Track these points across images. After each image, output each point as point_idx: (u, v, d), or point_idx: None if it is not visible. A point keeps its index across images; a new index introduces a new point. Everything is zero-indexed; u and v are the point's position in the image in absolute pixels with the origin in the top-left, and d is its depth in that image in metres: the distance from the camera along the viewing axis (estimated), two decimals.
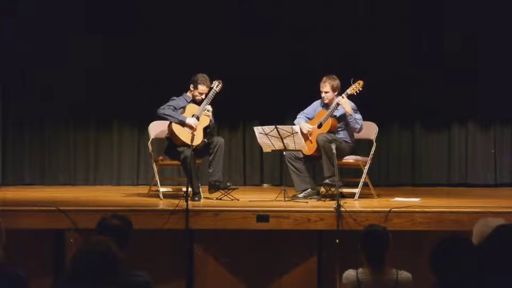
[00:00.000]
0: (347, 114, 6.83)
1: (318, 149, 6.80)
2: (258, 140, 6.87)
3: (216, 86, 6.97)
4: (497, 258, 3.16)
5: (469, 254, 3.10)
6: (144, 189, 7.71)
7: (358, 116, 6.89)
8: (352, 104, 6.91)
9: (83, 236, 5.63)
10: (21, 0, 8.45)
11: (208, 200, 6.88)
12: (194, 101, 7.02)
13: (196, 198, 6.76)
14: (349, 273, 4.21)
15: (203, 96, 6.98)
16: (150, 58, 8.60)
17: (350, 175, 7.74)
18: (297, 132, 6.64)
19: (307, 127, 6.96)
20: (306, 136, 6.94)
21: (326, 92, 6.95)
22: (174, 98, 7.02)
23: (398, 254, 4.54)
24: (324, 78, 6.96)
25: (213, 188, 6.94)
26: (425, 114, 8.71)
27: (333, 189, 6.60)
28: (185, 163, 6.72)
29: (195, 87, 6.97)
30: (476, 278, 3.06)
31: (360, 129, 6.92)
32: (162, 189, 7.13)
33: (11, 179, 8.67)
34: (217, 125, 8.17)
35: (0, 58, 8.31)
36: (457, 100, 8.57)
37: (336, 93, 6.96)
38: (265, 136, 6.74)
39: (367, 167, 7.00)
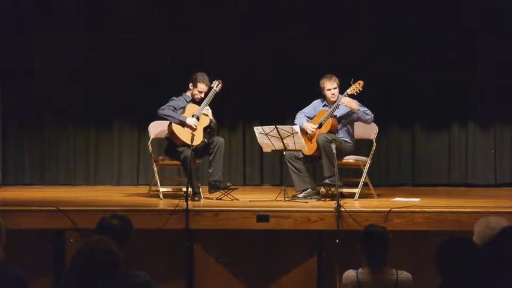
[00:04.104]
0: (354, 111, 6.82)
1: (318, 149, 6.80)
2: (258, 140, 6.87)
3: (216, 85, 6.97)
4: (503, 259, 3.17)
5: (475, 255, 3.10)
6: (144, 189, 7.71)
7: (364, 108, 6.89)
8: (355, 101, 6.91)
9: (82, 236, 5.62)
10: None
11: (208, 200, 6.88)
12: (194, 100, 7.03)
13: (196, 198, 6.76)
14: (349, 273, 4.22)
15: (202, 95, 6.98)
16: (150, 58, 8.60)
17: (350, 175, 7.74)
18: (297, 132, 6.64)
19: (311, 127, 6.96)
20: (306, 136, 6.94)
21: (335, 88, 6.95)
22: (174, 98, 7.02)
23: (398, 254, 4.55)
24: (329, 76, 6.96)
25: (213, 188, 6.94)
26: (425, 114, 8.71)
27: (333, 189, 6.61)
28: (185, 163, 6.72)
29: (194, 86, 6.97)
30: (482, 279, 3.07)
31: (372, 119, 6.92)
32: (162, 189, 7.13)
33: (11, 179, 8.66)
34: (218, 125, 8.18)
35: (0, 58, 8.32)
36: (457, 100, 8.57)
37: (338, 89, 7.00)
38: (265, 136, 6.74)
39: (367, 167, 7.00)
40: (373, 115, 6.92)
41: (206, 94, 6.99)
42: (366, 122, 6.95)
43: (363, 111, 6.85)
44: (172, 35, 8.60)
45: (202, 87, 6.96)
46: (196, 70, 7.06)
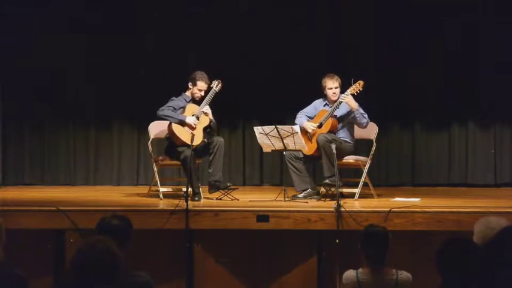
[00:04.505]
0: (353, 110, 6.81)
1: (318, 149, 6.80)
2: (258, 140, 6.87)
3: (216, 85, 6.97)
4: (503, 259, 3.17)
5: (475, 255, 3.11)
6: (144, 189, 7.71)
7: (363, 111, 6.89)
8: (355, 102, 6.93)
9: (82, 236, 5.62)
10: None
11: (208, 200, 6.88)
12: (194, 100, 7.03)
13: (196, 198, 6.76)
14: (349, 273, 4.22)
15: (202, 93, 6.98)
16: (150, 58, 8.61)
17: (350, 175, 7.74)
18: (297, 132, 6.64)
19: (311, 126, 6.96)
20: (306, 136, 6.94)
21: (336, 88, 6.95)
22: (174, 98, 7.02)
23: (398, 254, 4.54)
24: (331, 75, 6.96)
25: (213, 188, 6.94)
26: (425, 114, 8.71)
27: (333, 189, 6.61)
28: (185, 163, 6.72)
29: (194, 84, 6.97)
30: (482, 279, 3.07)
31: (367, 124, 6.91)
32: (162, 189, 7.13)
33: (11, 179, 8.66)
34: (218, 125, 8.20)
35: (0, 58, 8.32)
36: (457, 100, 8.58)
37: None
38: (265, 136, 6.74)
39: (367, 167, 7.00)
40: (369, 120, 6.90)
41: (206, 93, 6.99)
42: (361, 124, 6.93)
43: (361, 113, 6.85)
44: (172, 35, 8.60)
45: (202, 85, 6.97)
46: (196, 70, 7.07)
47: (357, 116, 6.84)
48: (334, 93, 6.96)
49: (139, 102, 8.47)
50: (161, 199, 6.95)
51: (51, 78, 8.58)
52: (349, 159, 7.03)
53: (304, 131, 6.93)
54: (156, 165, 7.23)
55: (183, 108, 6.97)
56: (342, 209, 5.84)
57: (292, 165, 6.96)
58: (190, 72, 7.09)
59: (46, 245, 6.00)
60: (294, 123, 7.00)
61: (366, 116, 6.87)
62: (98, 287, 2.91)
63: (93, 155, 8.85)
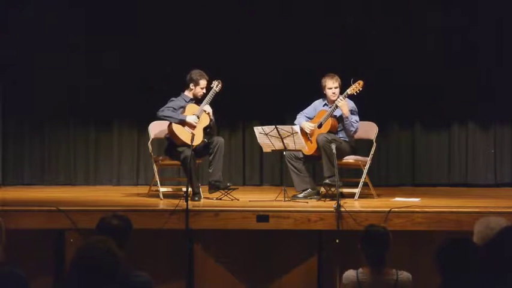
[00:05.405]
0: (344, 116, 6.84)
1: (318, 149, 6.80)
2: (258, 140, 6.87)
3: (216, 86, 6.97)
4: (503, 259, 3.17)
5: (475, 255, 3.10)
6: (144, 189, 7.72)
7: (355, 118, 6.90)
8: (352, 105, 6.93)
9: (83, 236, 5.62)
10: (22, 0, 8.47)
11: (208, 200, 6.88)
12: (193, 100, 7.03)
13: (196, 198, 6.76)
14: (349, 273, 4.22)
15: (204, 91, 6.98)
16: (150, 58, 8.60)
17: (350, 175, 7.74)
18: (297, 132, 6.64)
19: (309, 126, 6.97)
20: (306, 136, 6.94)
21: (336, 88, 6.95)
22: (173, 98, 7.02)
23: (398, 254, 4.54)
24: (331, 75, 6.96)
25: (213, 188, 6.94)
26: (425, 114, 8.71)
27: (333, 189, 6.61)
28: (185, 163, 6.71)
29: (196, 84, 6.97)
30: (482, 279, 3.07)
31: (355, 132, 6.94)
32: (162, 189, 7.13)
33: (11, 179, 8.67)
34: (217, 125, 8.20)
35: (0, 58, 8.32)
36: (457, 100, 8.57)
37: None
38: (265, 136, 6.74)
39: (367, 167, 7.00)
40: (357, 130, 6.90)
41: (207, 90, 6.99)
42: (348, 131, 6.93)
43: (351, 121, 6.85)
44: (172, 34, 8.60)
45: (203, 83, 6.97)
46: (192, 70, 7.05)
47: (345, 122, 6.85)
48: (334, 93, 6.96)
49: (139, 102, 8.46)
50: (161, 199, 6.95)
51: (51, 78, 8.57)
52: (349, 159, 7.03)
53: (303, 131, 6.94)
54: (156, 165, 7.23)
55: (183, 108, 6.96)
56: (342, 209, 5.85)
57: (292, 165, 6.96)
58: (189, 71, 7.07)
59: (46, 245, 6.00)
60: (293, 124, 7.00)
61: (355, 125, 6.88)
62: (97, 287, 2.90)
63: (93, 155, 8.85)
